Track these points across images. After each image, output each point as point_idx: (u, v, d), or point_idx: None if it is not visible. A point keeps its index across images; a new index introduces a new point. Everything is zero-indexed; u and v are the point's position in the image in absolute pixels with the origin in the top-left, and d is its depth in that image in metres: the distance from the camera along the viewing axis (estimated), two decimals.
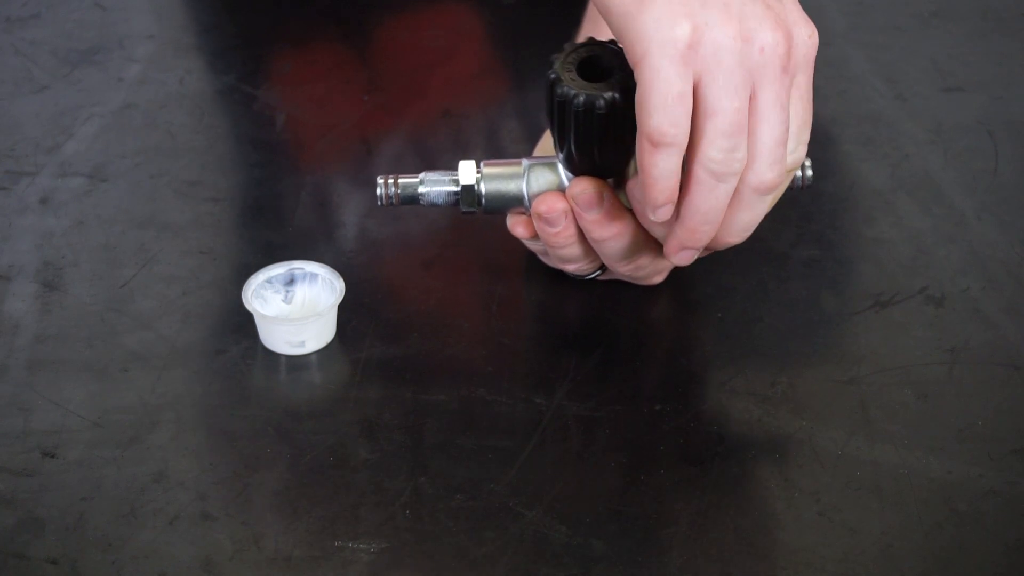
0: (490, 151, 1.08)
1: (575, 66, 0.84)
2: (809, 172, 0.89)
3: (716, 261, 0.94)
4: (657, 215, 0.83)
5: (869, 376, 0.91)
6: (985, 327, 0.94)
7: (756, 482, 0.85)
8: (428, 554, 0.82)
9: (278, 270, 0.94)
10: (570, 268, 0.93)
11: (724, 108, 0.80)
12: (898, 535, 0.82)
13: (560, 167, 0.88)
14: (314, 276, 0.94)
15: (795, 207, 1.02)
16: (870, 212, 1.03)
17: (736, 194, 0.83)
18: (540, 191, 0.89)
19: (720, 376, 0.92)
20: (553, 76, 0.84)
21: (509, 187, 0.89)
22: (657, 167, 0.81)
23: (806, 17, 0.82)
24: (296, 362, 0.92)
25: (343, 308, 0.93)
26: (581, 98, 0.83)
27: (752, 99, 0.81)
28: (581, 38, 1.01)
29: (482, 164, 0.90)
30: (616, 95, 0.82)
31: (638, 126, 0.81)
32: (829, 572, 0.81)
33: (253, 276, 0.94)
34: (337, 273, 0.94)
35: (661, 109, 0.80)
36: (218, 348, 0.93)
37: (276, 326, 0.92)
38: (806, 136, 0.84)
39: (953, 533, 0.82)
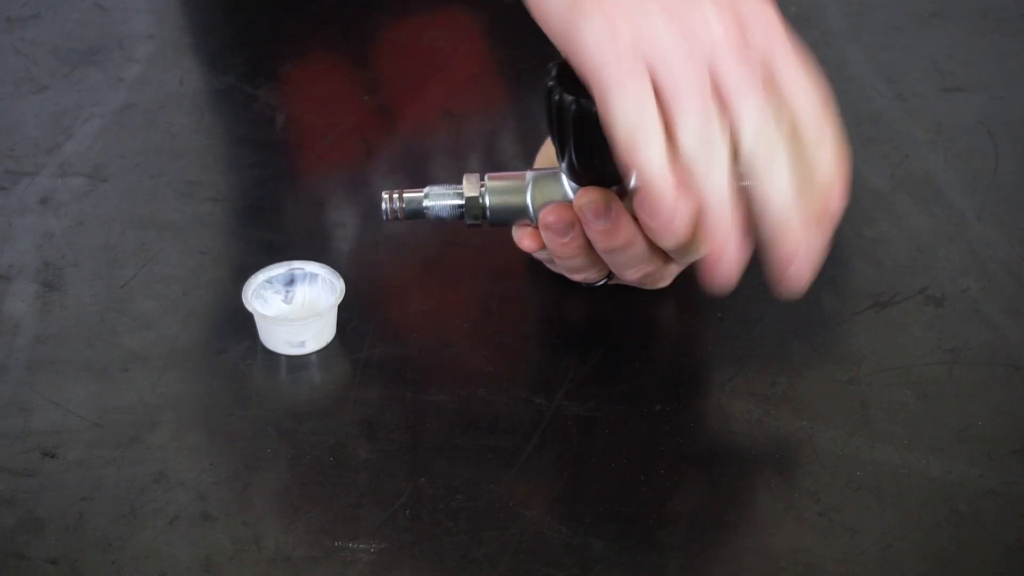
0: (490, 152, 1.08)
1: (572, 73, 0.84)
2: None
3: None
4: (673, 222, 0.81)
5: (869, 376, 0.91)
6: (985, 327, 0.94)
7: (756, 482, 0.85)
8: (428, 554, 0.82)
9: (278, 270, 0.94)
10: (578, 277, 0.93)
11: (687, 107, 0.79)
12: (898, 535, 0.82)
13: (564, 177, 0.88)
14: (314, 276, 0.94)
15: None
16: (870, 212, 1.03)
17: (748, 174, 0.81)
18: (545, 202, 0.88)
19: (720, 376, 0.92)
20: (550, 84, 0.84)
21: (514, 199, 0.89)
22: (647, 160, 0.79)
23: None
24: (296, 362, 0.92)
25: (343, 308, 0.93)
26: (576, 105, 0.82)
27: (718, 89, 0.80)
28: None
29: (486, 177, 0.90)
30: None
31: (615, 141, 0.80)
32: (829, 572, 0.81)
33: (253, 276, 0.94)
34: (337, 273, 0.94)
35: (626, 108, 0.79)
36: (218, 348, 0.93)
37: (276, 326, 0.92)
38: (821, 107, 0.83)
39: (953, 533, 0.82)
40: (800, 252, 0.81)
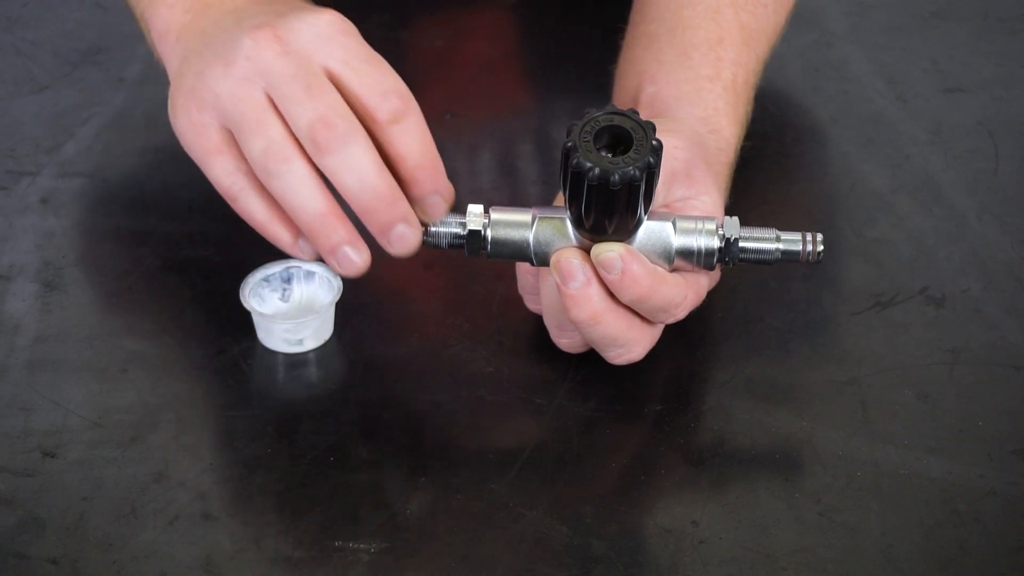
0: (491, 153, 1.08)
1: (592, 135, 0.82)
2: (820, 247, 0.87)
3: None
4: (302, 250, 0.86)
5: (869, 376, 0.91)
6: (985, 327, 0.94)
7: (756, 482, 0.85)
8: (428, 554, 0.82)
9: (275, 268, 0.94)
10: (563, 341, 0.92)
11: (239, 121, 0.82)
12: (898, 535, 0.82)
13: (569, 225, 0.87)
14: (311, 274, 0.94)
15: (796, 208, 1.02)
16: (870, 213, 1.03)
17: (322, 168, 0.83)
18: (547, 245, 0.87)
19: (720, 376, 0.92)
20: (569, 145, 0.82)
21: (516, 236, 0.87)
22: (253, 214, 0.85)
23: (326, 9, 0.84)
24: (296, 362, 0.92)
25: (343, 308, 0.93)
26: (596, 171, 0.81)
27: (271, 96, 0.82)
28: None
29: (491, 210, 0.88)
30: (632, 170, 0.81)
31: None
32: (829, 572, 0.81)
33: (251, 275, 0.94)
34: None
35: (213, 170, 0.84)
36: (218, 348, 0.93)
37: (274, 324, 0.92)
38: (390, 82, 0.83)
39: (953, 533, 0.82)
40: (392, 224, 0.83)
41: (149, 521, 0.83)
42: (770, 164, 1.07)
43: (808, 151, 1.10)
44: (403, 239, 0.84)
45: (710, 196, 0.89)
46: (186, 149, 0.85)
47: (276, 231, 0.85)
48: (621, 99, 1.01)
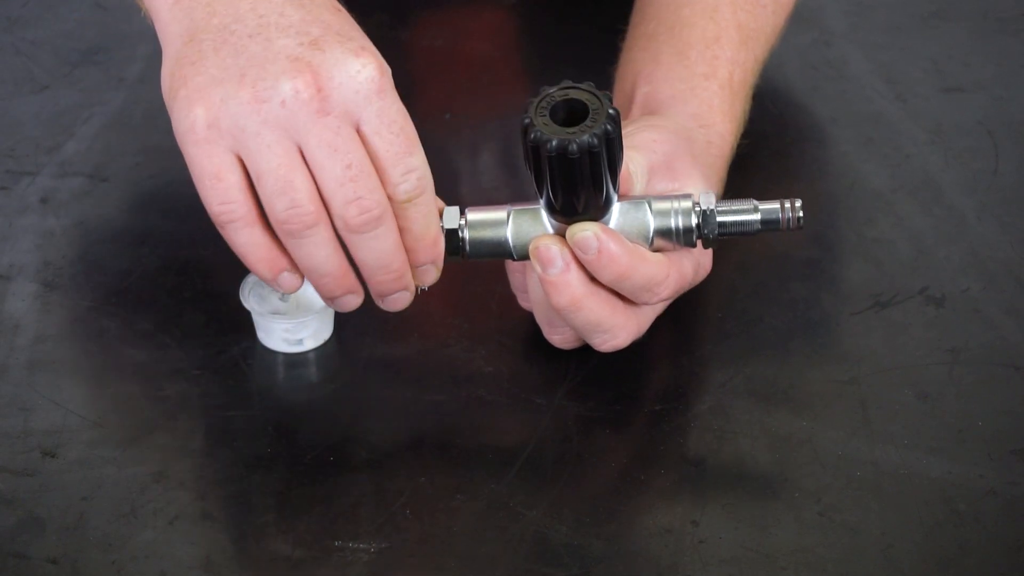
0: (491, 153, 1.08)
1: (548, 110, 0.82)
2: (800, 213, 0.87)
3: (717, 261, 0.94)
4: (280, 283, 0.85)
5: (869, 376, 0.91)
6: (985, 327, 0.94)
7: (756, 482, 0.85)
8: (428, 554, 0.82)
9: None
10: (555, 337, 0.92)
11: (265, 170, 0.81)
12: (898, 535, 0.82)
13: (543, 213, 0.87)
14: None
15: None
16: (870, 212, 1.03)
17: (344, 239, 0.83)
18: (525, 237, 0.87)
19: (720, 376, 0.92)
20: (527, 121, 0.82)
21: (493, 234, 0.87)
22: (239, 245, 0.83)
23: (364, 49, 0.81)
24: (296, 362, 0.92)
25: None
26: (553, 143, 0.81)
27: (302, 150, 0.81)
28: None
29: (467, 211, 0.88)
30: (590, 138, 0.81)
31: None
32: (829, 572, 0.81)
33: (250, 274, 0.93)
34: None
35: (206, 192, 0.82)
36: (218, 348, 0.93)
37: (273, 324, 0.92)
38: (412, 162, 0.83)
39: (953, 533, 0.82)
40: (394, 295, 0.86)
41: (149, 521, 0.83)
42: (769, 163, 1.07)
43: (808, 151, 1.10)
44: (398, 302, 0.87)
45: (695, 188, 0.89)
46: (181, 147, 0.83)
47: (261, 267, 0.84)
48: (619, 99, 1.01)
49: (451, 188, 1.05)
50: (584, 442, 0.87)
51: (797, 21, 1.08)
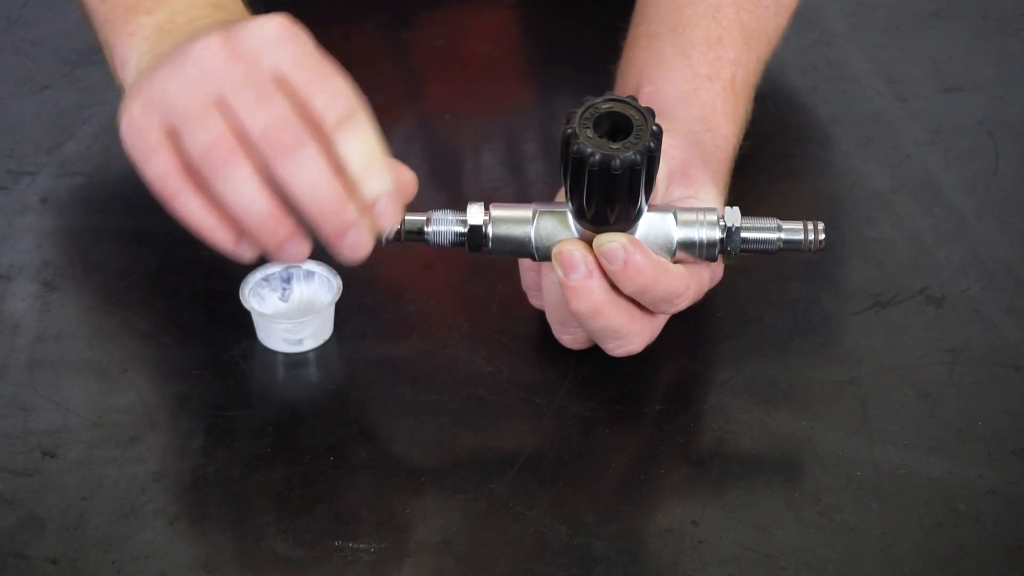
0: (491, 152, 1.08)
1: (592, 121, 0.82)
2: (822, 236, 0.87)
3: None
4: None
5: (869, 376, 0.91)
6: (985, 327, 0.94)
7: (756, 482, 0.85)
8: (428, 554, 0.82)
9: (275, 268, 0.94)
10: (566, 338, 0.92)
11: (183, 119, 0.80)
12: (898, 535, 0.82)
13: (570, 217, 0.87)
14: (311, 274, 0.94)
15: (796, 207, 1.02)
16: (870, 212, 1.03)
17: (273, 174, 0.81)
18: (549, 239, 0.87)
19: (720, 376, 0.92)
20: (569, 131, 0.82)
21: (517, 232, 0.87)
22: (189, 216, 0.82)
23: (271, 15, 0.82)
24: (296, 362, 0.92)
25: (343, 307, 0.93)
26: (597, 156, 0.81)
27: (221, 101, 0.80)
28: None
29: (491, 207, 0.88)
30: (635, 156, 0.81)
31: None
32: (829, 572, 0.81)
33: (250, 274, 0.94)
34: (334, 271, 0.94)
35: (146, 170, 0.82)
36: (218, 348, 0.93)
37: (274, 324, 0.92)
38: (335, 87, 0.81)
39: (953, 533, 0.82)
40: (345, 231, 0.81)
41: (148, 521, 0.83)
42: (770, 164, 1.07)
43: (808, 151, 1.10)
44: (357, 246, 0.82)
45: (709, 194, 0.89)
46: (127, 150, 0.83)
47: (216, 232, 0.82)
48: None
49: (451, 188, 1.05)
50: (584, 442, 0.87)
51: (798, 22, 1.09)
